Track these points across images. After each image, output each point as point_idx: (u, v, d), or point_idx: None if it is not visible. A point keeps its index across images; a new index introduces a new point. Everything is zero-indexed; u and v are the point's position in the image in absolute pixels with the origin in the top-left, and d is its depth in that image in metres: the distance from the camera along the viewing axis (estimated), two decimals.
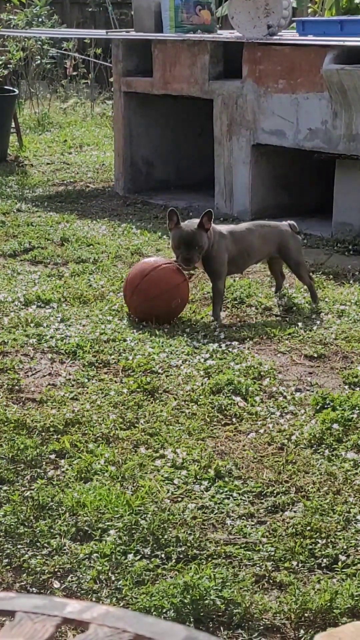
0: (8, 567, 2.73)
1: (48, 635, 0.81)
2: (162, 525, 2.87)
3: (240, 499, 3.08)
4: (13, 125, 9.82)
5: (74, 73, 13.10)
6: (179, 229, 4.61)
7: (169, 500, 3.05)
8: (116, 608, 0.85)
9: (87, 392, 3.89)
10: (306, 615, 2.51)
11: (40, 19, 12.62)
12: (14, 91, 9.88)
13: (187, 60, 7.26)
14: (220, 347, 4.36)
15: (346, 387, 3.98)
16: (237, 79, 6.91)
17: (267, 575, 2.68)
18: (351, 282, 5.41)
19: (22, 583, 2.65)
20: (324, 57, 6.17)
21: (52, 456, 3.33)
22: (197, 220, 4.65)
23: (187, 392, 3.87)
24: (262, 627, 2.48)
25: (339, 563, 2.72)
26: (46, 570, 2.69)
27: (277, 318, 4.84)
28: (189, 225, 4.65)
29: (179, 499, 3.08)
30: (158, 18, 7.54)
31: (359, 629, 1.77)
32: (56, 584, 2.65)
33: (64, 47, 12.89)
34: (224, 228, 4.87)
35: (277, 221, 5.26)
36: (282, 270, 5.18)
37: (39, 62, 12.62)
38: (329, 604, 2.51)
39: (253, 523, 2.95)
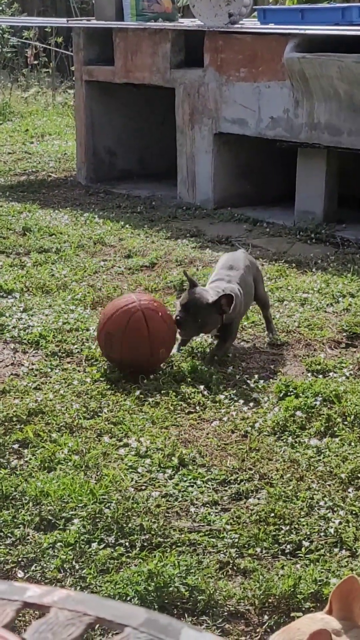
0: None
1: (8, 620, 0.81)
2: (126, 514, 2.87)
3: (204, 487, 3.09)
4: None
5: (35, 62, 13.01)
6: (190, 292, 4.00)
7: (132, 489, 3.04)
8: (77, 592, 0.85)
9: (50, 382, 3.87)
10: (270, 600, 2.52)
11: (0, 7, 12.52)
12: None
13: (148, 49, 7.24)
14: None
15: (309, 374, 3.99)
16: (198, 67, 6.90)
17: (231, 562, 2.69)
18: (313, 270, 5.43)
19: None
20: (285, 45, 6.18)
21: (16, 446, 3.32)
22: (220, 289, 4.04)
23: (150, 380, 3.87)
24: (226, 613, 2.49)
25: (303, 549, 2.73)
26: (10, 560, 2.68)
27: None
28: (205, 293, 3.99)
29: (143, 487, 3.07)
30: (119, 6, 7.50)
31: (314, 621, 1.78)
32: (20, 573, 2.64)
33: (25, 36, 12.79)
34: (230, 286, 4.11)
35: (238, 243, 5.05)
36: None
37: None
38: (292, 590, 2.52)
39: (217, 510, 2.96)
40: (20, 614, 2.33)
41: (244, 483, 3.10)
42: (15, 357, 4.15)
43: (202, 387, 3.82)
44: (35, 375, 3.94)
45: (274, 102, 6.37)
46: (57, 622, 0.79)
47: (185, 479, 3.13)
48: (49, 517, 2.88)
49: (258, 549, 2.75)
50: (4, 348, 4.25)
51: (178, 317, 3.96)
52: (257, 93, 6.48)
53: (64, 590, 0.84)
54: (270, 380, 3.94)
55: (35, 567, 2.66)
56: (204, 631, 0.77)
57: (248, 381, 3.90)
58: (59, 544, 2.74)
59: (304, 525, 2.85)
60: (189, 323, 3.97)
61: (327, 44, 6.09)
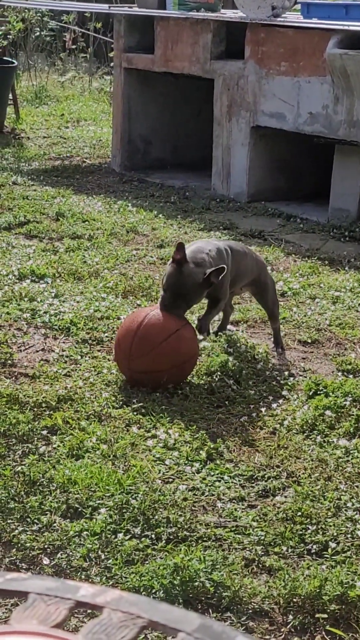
0: None
1: (62, 619, 0.80)
2: (152, 506, 2.87)
3: (231, 482, 3.08)
4: (10, 96, 9.75)
5: (73, 46, 13.01)
6: (181, 272, 3.64)
7: (160, 481, 3.04)
8: (129, 593, 0.84)
9: (80, 369, 3.87)
10: (295, 600, 2.51)
11: None
12: (13, 62, 9.80)
13: (189, 39, 7.21)
14: (214, 329, 4.34)
15: (339, 373, 3.97)
16: (239, 59, 6.87)
17: (256, 559, 2.68)
18: (346, 268, 5.40)
19: (12, 558, 2.64)
20: (327, 41, 6.13)
21: (44, 432, 3.32)
22: (204, 264, 3.69)
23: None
24: (250, 611, 2.48)
25: (329, 550, 2.72)
26: (36, 547, 2.69)
27: None
28: (194, 274, 3.65)
29: (170, 480, 3.07)
30: None
31: None
32: (45, 561, 2.64)
33: (64, 20, 12.78)
34: (222, 244, 3.93)
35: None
36: (232, 304, 4.40)
37: (38, 34, 12.53)
38: (318, 591, 2.51)
39: (244, 507, 2.95)
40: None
41: (272, 480, 3.09)
42: (45, 343, 4.15)
43: (231, 381, 3.81)
44: (65, 362, 3.94)
45: (313, 97, 6.33)
46: (111, 624, 0.78)
47: (212, 473, 3.12)
48: (76, 505, 2.88)
49: (284, 548, 2.74)
50: (34, 333, 4.26)
51: (165, 302, 3.70)
52: (296, 88, 6.44)
53: (117, 591, 0.83)
54: (300, 377, 3.92)
55: (61, 554, 2.66)
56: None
57: (278, 378, 3.89)
58: (85, 532, 2.74)
59: (331, 526, 2.83)
60: (179, 307, 3.71)
61: None
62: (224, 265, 3.68)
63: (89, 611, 2.24)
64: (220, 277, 3.67)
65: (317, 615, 2.46)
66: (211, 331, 4.10)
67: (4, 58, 9.93)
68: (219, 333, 4.30)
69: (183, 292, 3.68)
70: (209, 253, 3.76)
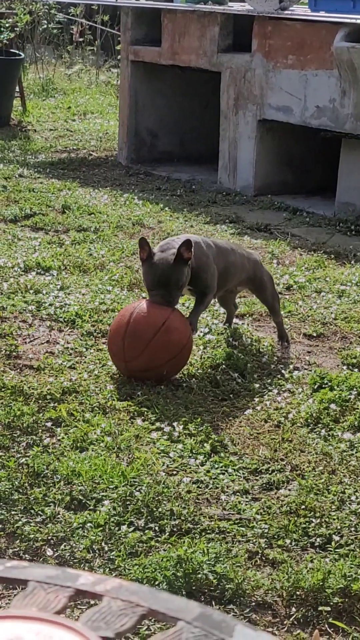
0: (2, 532, 2.72)
1: (61, 606, 0.80)
2: (156, 498, 2.87)
3: (236, 475, 3.08)
4: (17, 89, 9.74)
5: (80, 39, 12.99)
6: (152, 264, 3.68)
7: (164, 473, 3.04)
8: (129, 582, 0.84)
9: (85, 362, 3.87)
10: (298, 593, 2.51)
11: None
12: (20, 55, 9.79)
13: (196, 32, 7.20)
14: (220, 322, 4.34)
15: (344, 367, 3.97)
16: (246, 52, 6.85)
17: (260, 552, 2.68)
18: (352, 262, 5.39)
19: (15, 549, 2.65)
20: (335, 34, 6.12)
21: (49, 424, 3.32)
22: (173, 247, 3.69)
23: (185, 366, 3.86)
24: (253, 603, 2.48)
25: (333, 543, 2.72)
26: (39, 538, 2.69)
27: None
28: (164, 258, 3.68)
29: (174, 473, 3.07)
30: None
31: None
32: (49, 552, 2.65)
33: (71, 13, 12.76)
34: (206, 239, 4.02)
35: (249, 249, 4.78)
36: (235, 301, 4.42)
37: (45, 26, 12.51)
38: (321, 584, 2.51)
39: (247, 499, 2.95)
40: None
41: (276, 473, 3.09)
42: (50, 335, 4.15)
43: (236, 374, 3.81)
44: (70, 354, 3.94)
45: (320, 91, 6.32)
46: (110, 612, 0.78)
47: (216, 466, 3.12)
48: (80, 497, 2.88)
49: (288, 541, 2.74)
50: (40, 325, 4.26)
51: (161, 298, 3.69)
52: (303, 81, 6.43)
53: (117, 580, 0.83)
54: (305, 371, 3.92)
55: (65, 546, 2.66)
56: (259, 630, 0.76)
57: (283, 371, 3.89)
58: (88, 524, 2.75)
59: (334, 519, 2.83)
60: (171, 295, 3.70)
61: None
62: (189, 238, 3.68)
63: (91, 601, 2.24)
64: (204, 273, 3.76)
65: (320, 608, 2.46)
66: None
67: (11, 50, 9.91)
68: (228, 326, 4.29)
69: (164, 279, 3.67)
70: (175, 240, 3.77)
